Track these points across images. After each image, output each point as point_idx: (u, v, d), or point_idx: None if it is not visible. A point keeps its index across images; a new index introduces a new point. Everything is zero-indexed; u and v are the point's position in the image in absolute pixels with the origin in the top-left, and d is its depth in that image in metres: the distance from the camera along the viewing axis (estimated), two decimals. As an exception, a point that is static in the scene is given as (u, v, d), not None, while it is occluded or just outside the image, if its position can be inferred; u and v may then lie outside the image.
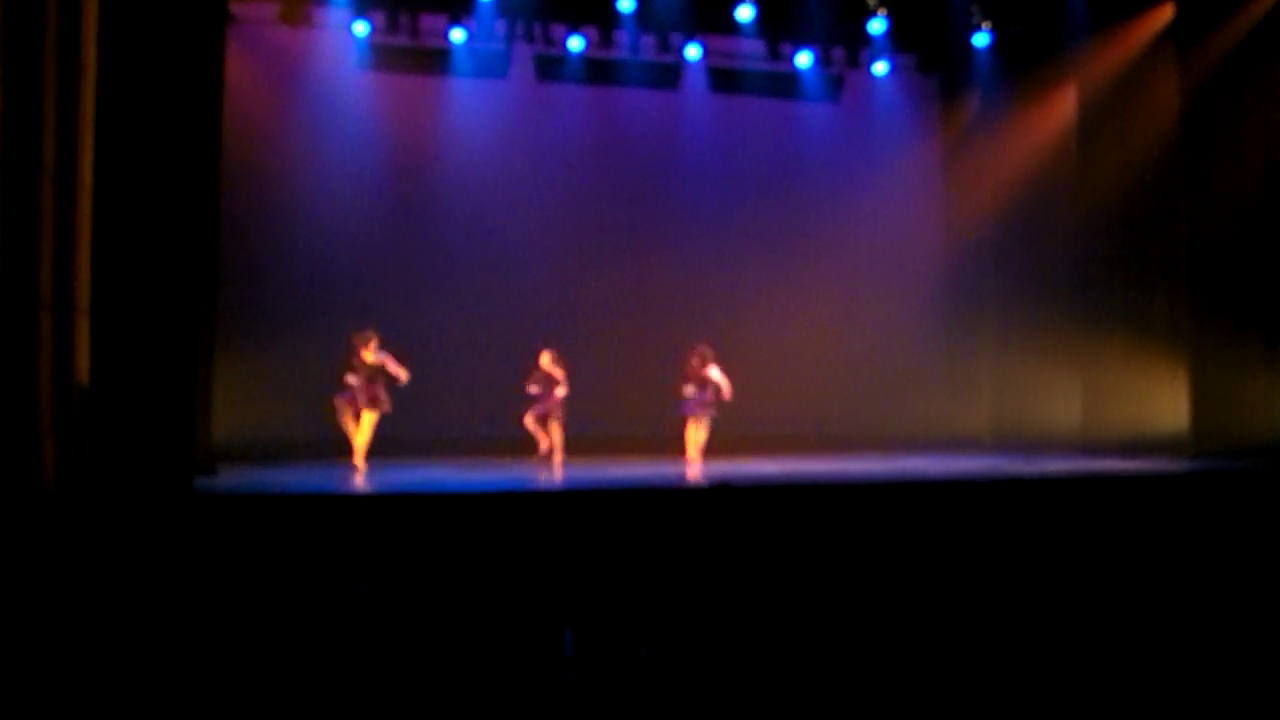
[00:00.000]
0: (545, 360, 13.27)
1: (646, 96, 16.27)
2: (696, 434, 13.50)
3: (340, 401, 12.16)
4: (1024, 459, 13.61)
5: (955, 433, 16.71)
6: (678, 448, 13.61)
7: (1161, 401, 13.74)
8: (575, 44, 15.47)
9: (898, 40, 15.92)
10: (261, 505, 8.69)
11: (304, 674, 5.48)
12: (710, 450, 13.56)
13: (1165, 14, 13.95)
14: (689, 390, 13.41)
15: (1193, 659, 5.72)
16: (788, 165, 16.89)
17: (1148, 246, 14.20)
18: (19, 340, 7.71)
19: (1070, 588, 7.33)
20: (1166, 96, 13.78)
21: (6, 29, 7.64)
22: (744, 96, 16.66)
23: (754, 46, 16.19)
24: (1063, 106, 15.64)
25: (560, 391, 13.18)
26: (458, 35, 14.94)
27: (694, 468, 12.83)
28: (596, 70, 15.86)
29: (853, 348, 16.63)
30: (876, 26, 15.38)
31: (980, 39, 15.58)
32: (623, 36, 15.64)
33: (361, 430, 12.14)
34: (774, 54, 16.19)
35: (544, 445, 13.29)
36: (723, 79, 16.45)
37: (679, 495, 10.00)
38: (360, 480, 11.00)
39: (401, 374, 12.08)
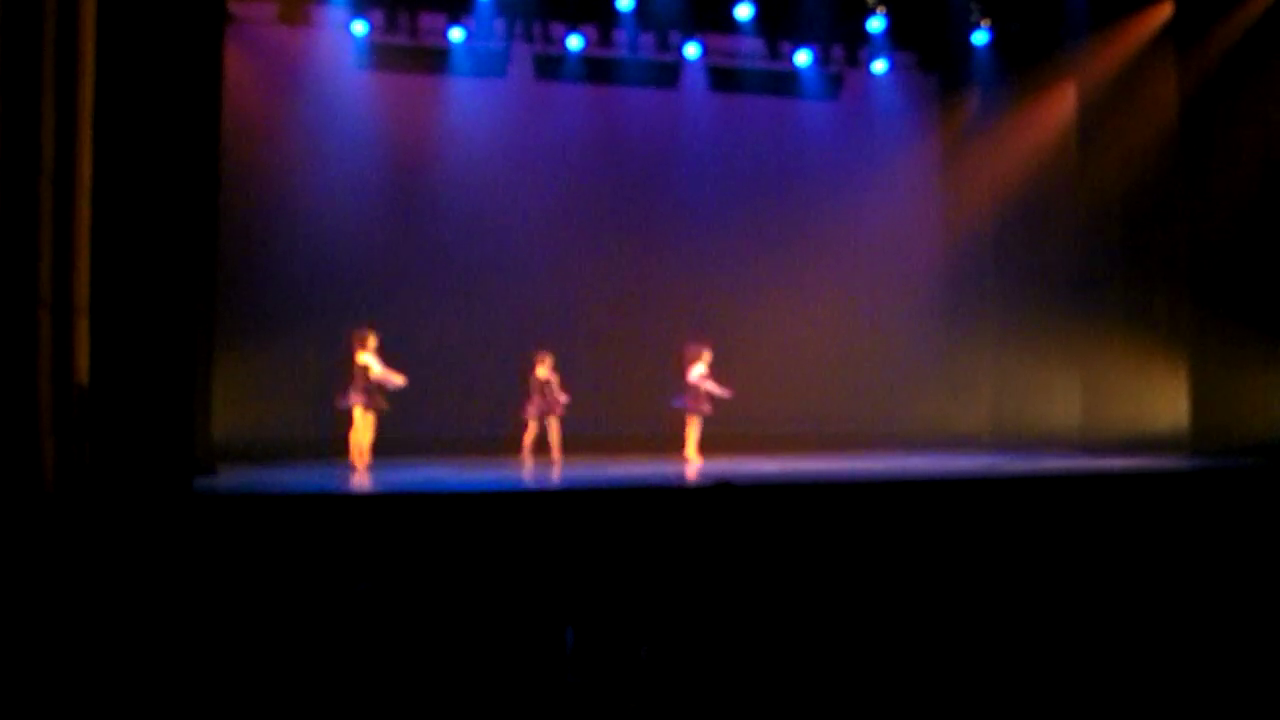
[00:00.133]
0: (543, 371, 13.18)
1: (646, 95, 16.26)
2: (690, 431, 13.54)
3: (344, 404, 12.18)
4: (1011, 456, 13.64)
5: (955, 431, 16.72)
6: (678, 447, 13.62)
7: (1161, 400, 13.75)
8: (574, 43, 15.47)
9: (897, 39, 15.92)
10: (261, 505, 8.69)
11: (304, 674, 5.48)
12: (710, 449, 13.56)
13: (1164, 12, 13.96)
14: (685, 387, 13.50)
15: (1192, 656, 5.72)
16: (787, 164, 16.89)
17: (1147, 245, 14.20)
18: (18, 340, 7.71)
19: (1070, 586, 7.33)
20: (1166, 95, 13.78)
21: (5, 29, 7.63)
22: (743, 95, 16.65)
23: (753, 45, 16.19)
24: (1062, 105, 15.64)
25: (562, 399, 13.16)
26: (456, 34, 14.94)
27: (693, 466, 12.83)
28: (595, 69, 15.85)
29: (852, 346, 16.63)
30: (875, 25, 15.38)
31: (979, 37, 15.58)
32: (622, 35, 15.63)
33: (357, 430, 12.14)
34: (773, 52, 16.19)
35: (532, 436, 13.23)
36: (722, 78, 16.44)
37: (679, 494, 10.00)
38: (359, 480, 10.99)
39: (390, 379, 12.01)
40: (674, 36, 15.76)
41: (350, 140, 14.97)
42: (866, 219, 16.83)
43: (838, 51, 16.38)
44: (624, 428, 14.91)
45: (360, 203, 15.03)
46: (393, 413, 12.25)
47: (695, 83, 16.40)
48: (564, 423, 13.31)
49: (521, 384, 13.31)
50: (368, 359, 12.00)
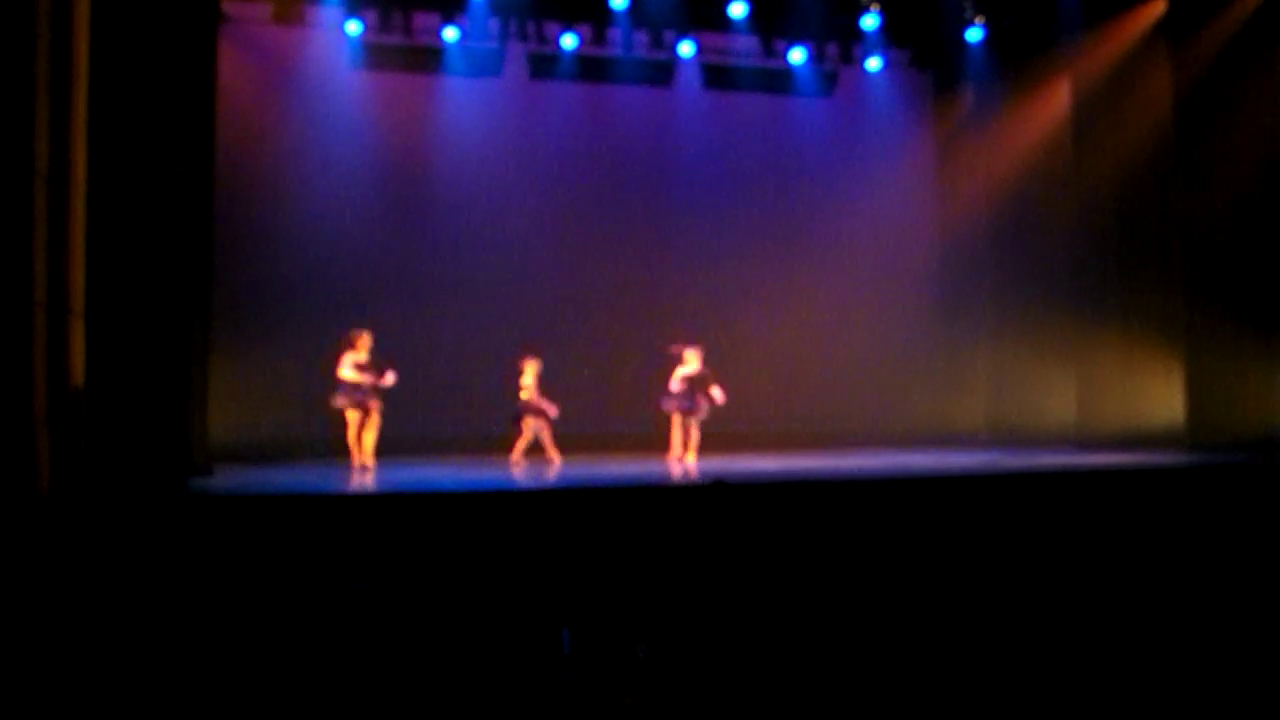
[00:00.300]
0: (528, 379, 13.05)
1: (640, 94, 16.26)
2: (675, 432, 13.47)
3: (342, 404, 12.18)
4: (1007, 453, 13.66)
5: (951, 428, 16.74)
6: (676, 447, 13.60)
7: (1156, 396, 13.77)
8: (569, 42, 15.46)
9: (891, 36, 15.93)
10: (258, 505, 8.68)
11: (301, 674, 5.47)
12: (706, 447, 13.54)
13: (1158, 8, 13.98)
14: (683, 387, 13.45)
15: (1188, 652, 5.73)
16: (782, 162, 16.90)
17: (1142, 240, 14.22)
18: (13, 341, 7.70)
19: (1066, 582, 7.33)
20: (1160, 91, 13.80)
21: (-2, 30, 7.62)
22: (738, 93, 16.65)
23: (747, 43, 16.18)
24: (1056, 101, 15.65)
25: (549, 409, 13.03)
26: (451, 34, 14.93)
27: (688, 465, 12.81)
28: (590, 68, 15.84)
29: (847, 343, 16.65)
30: (870, 22, 15.39)
31: (973, 34, 15.58)
32: (616, 34, 15.62)
33: (351, 430, 12.14)
34: (767, 50, 16.19)
35: (524, 443, 13.18)
36: (716, 76, 16.44)
37: (675, 493, 10.00)
38: (355, 480, 10.98)
39: (363, 379, 11.98)
40: (668, 35, 15.76)
41: (345, 140, 14.96)
42: (862, 216, 16.84)
43: (832, 49, 16.39)
44: (620, 426, 14.90)
45: (355, 203, 15.02)
46: (388, 412, 12.24)
47: (690, 81, 16.40)
48: (559, 423, 13.26)
49: (511, 385, 13.23)
50: (348, 360, 12.01)
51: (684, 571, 7.46)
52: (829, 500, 9.27)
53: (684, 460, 13.22)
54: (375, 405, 12.09)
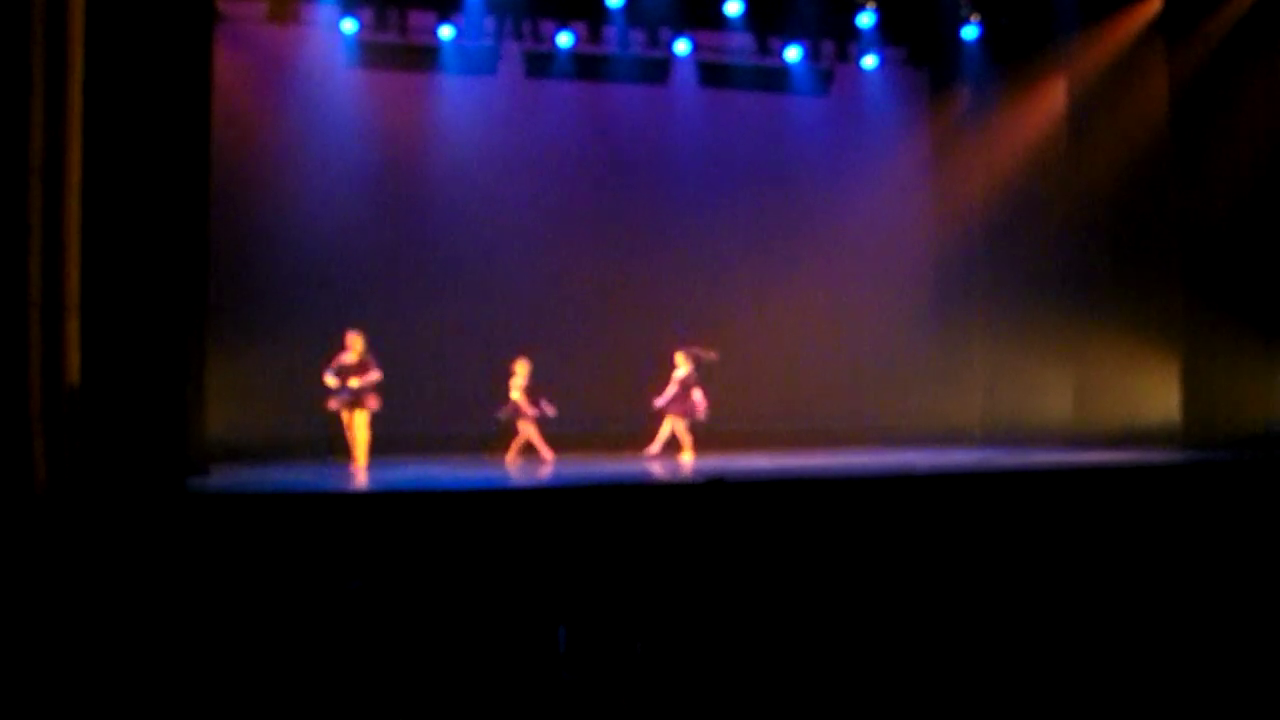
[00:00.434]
0: (519, 380, 13.07)
1: (636, 92, 16.25)
2: (662, 431, 13.56)
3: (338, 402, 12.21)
4: (1003, 451, 13.68)
5: (947, 426, 16.73)
6: (675, 445, 13.60)
7: (1153, 393, 13.78)
8: (564, 40, 15.45)
9: (887, 34, 15.94)
10: (254, 504, 8.67)
11: (297, 673, 5.47)
12: (702, 445, 13.55)
13: (1154, 6, 13.99)
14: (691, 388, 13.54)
15: (1185, 649, 5.74)
16: (778, 160, 16.88)
17: (1139, 238, 14.23)
18: (9, 339, 7.69)
19: (1062, 579, 7.34)
20: (1156, 88, 13.82)
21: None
22: (733, 91, 16.64)
23: (743, 41, 16.18)
24: (1052, 99, 15.66)
25: (533, 411, 13.05)
26: (446, 32, 14.91)
27: (683, 462, 12.83)
28: (586, 66, 15.83)
29: (844, 341, 16.64)
30: (865, 20, 15.40)
31: (969, 32, 15.59)
32: (611, 32, 15.62)
33: (348, 430, 12.16)
34: (763, 48, 16.18)
35: (520, 440, 13.20)
36: (712, 74, 16.43)
37: (672, 491, 10.00)
38: (352, 479, 10.98)
39: (344, 381, 12.00)
40: (664, 33, 15.75)
41: (341, 139, 14.92)
42: (858, 214, 16.83)
43: (828, 47, 16.39)
44: (617, 425, 14.89)
45: (351, 201, 14.99)
46: (384, 411, 12.23)
47: (685, 79, 16.39)
48: (557, 421, 13.28)
49: (504, 385, 13.23)
50: (336, 362, 12.05)
51: (681, 569, 7.46)
52: (826, 498, 9.28)
53: (658, 455, 13.28)
54: (372, 404, 12.10)
